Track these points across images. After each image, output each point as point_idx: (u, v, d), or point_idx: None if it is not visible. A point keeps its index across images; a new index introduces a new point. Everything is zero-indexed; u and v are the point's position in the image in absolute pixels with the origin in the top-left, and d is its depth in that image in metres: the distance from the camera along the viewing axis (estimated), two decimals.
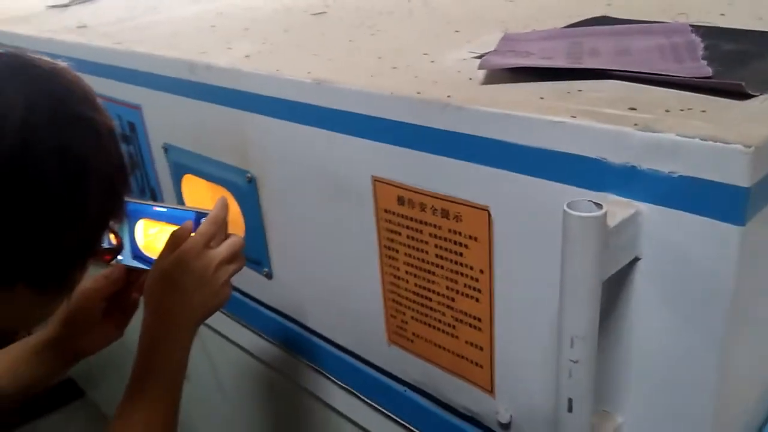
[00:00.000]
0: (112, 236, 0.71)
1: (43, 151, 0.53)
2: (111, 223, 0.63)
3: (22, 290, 0.57)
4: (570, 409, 0.50)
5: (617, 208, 0.48)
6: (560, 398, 0.50)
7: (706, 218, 0.46)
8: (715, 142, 0.44)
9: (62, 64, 0.60)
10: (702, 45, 0.65)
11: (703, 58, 0.61)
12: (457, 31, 0.90)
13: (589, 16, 0.86)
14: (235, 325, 1.07)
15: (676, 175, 0.46)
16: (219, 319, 1.10)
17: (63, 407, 2.24)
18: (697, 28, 0.71)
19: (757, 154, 0.43)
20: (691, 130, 0.46)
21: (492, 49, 0.73)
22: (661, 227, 0.48)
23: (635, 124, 0.48)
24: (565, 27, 0.81)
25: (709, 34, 0.69)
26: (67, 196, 0.55)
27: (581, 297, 0.46)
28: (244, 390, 1.15)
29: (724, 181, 0.44)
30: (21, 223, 0.53)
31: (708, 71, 0.57)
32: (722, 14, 0.81)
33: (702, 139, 0.44)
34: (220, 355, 1.17)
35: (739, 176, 0.43)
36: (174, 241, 0.76)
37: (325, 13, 1.14)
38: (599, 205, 0.45)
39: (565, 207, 0.45)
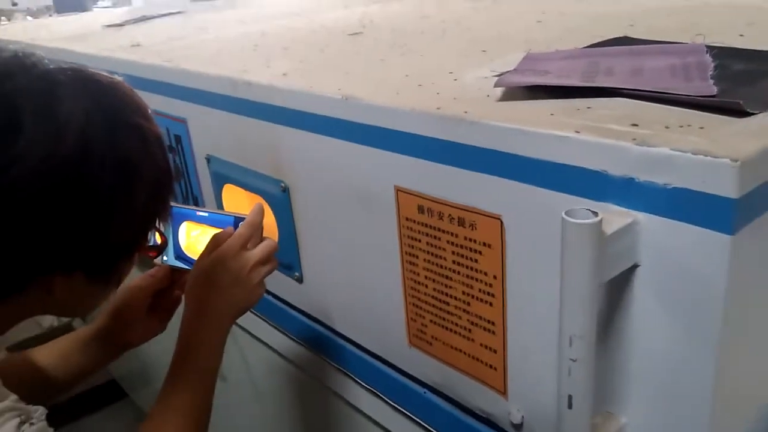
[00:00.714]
0: (157, 235, 0.77)
1: (99, 157, 0.61)
2: (157, 222, 0.70)
3: (78, 278, 0.64)
4: (570, 406, 0.53)
5: (616, 217, 0.51)
6: (561, 395, 0.54)
7: (697, 227, 0.49)
8: (705, 156, 0.47)
9: (118, 78, 0.68)
10: (713, 65, 0.68)
11: (711, 78, 0.64)
12: (484, 51, 0.94)
13: (609, 37, 0.89)
14: (268, 326, 1.13)
15: (670, 187, 0.50)
16: (253, 322, 1.16)
17: (105, 407, 2.34)
18: (711, 49, 0.74)
19: (744, 167, 0.46)
20: (684, 144, 0.49)
21: (513, 68, 0.77)
22: (658, 236, 0.51)
23: (633, 139, 0.51)
24: (586, 47, 0.85)
25: (723, 54, 0.72)
26: (117, 197, 0.63)
27: (579, 299, 0.50)
28: (274, 389, 1.20)
29: (714, 193, 0.47)
30: (78, 219, 0.60)
31: (713, 90, 0.60)
32: (741, 35, 0.84)
33: (693, 153, 0.47)
34: (254, 355, 1.23)
35: (728, 188, 0.46)
36: (214, 243, 0.82)
37: (361, 33, 1.20)
38: (595, 213, 0.48)
39: (563, 215, 0.49)
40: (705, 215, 0.48)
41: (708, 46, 0.75)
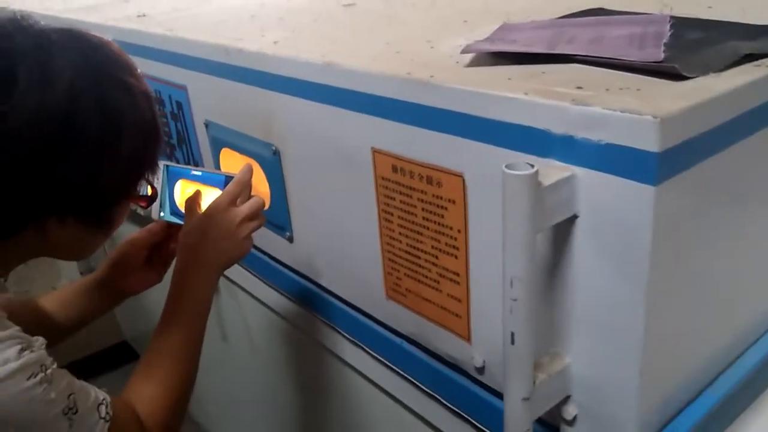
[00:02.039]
0: (148, 187, 0.84)
1: (86, 107, 0.68)
2: (146, 174, 0.76)
3: (71, 221, 0.71)
4: (513, 342, 0.59)
5: (553, 170, 0.56)
6: (505, 333, 0.59)
7: (626, 179, 0.54)
8: (632, 113, 0.52)
9: (108, 39, 0.74)
10: (669, 34, 0.72)
11: (664, 45, 0.68)
12: (465, 21, 0.98)
13: (585, 8, 0.92)
14: (262, 284, 1.19)
15: (603, 143, 0.54)
16: (250, 280, 1.23)
17: (119, 368, 2.44)
18: (675, 19, 0.77)
19: (665, 123, 0.50)
20: (616, 104, 0.53)
21: (484, 37, 0.82)
22: (593, 188, 0.56)
23: (573, 100, 0.56)
24: (560, 17, 0.89)
25: (683, 24, 0.76)
26: (104, 143, 0.70)
27: (518, 243, 0.55)
28: (268, 343, 1.27)
29: (638, 147, 0.52)
30: (68, 164, 0.67)
31: (659, 56, 0.64)
32: (709, 6, 0.87)
33: (622, 111, 0.52)
34: (250, 312, 1.30)
35: (650, 142, 0.51)
36: (190, 204, 0.90)
37: (354, 4, 1.25)
38: (532, 166, 0.53)
39: (504, 167, 0.54)
40: (632, 168, 0.53)
41: (672, 17, 0.79)
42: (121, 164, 0.73)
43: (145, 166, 0.77)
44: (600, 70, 0.65)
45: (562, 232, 0.60)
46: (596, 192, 0.56)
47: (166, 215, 1.00)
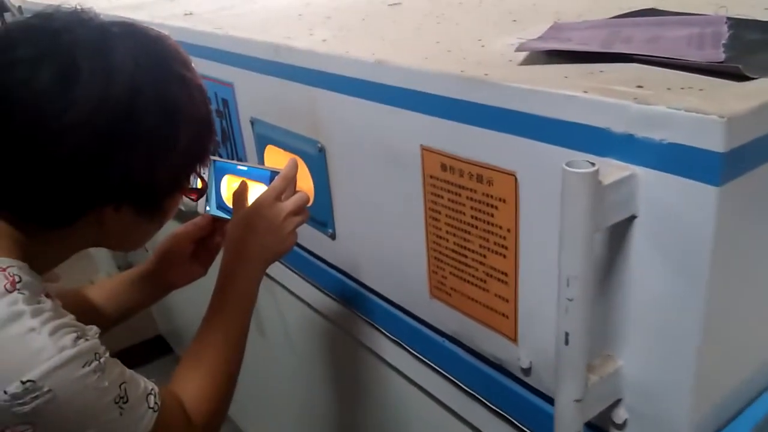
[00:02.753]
0: (198, 180, 0.85)
1: (146, 99, 0.69)
2: (198, 167, 0.78)
3: (126, 211, 0.73)
4: (567, 342, 0.58)
5: (614, 169, 0.56)
6: (559, 333, 0.59)
7: (689, 180, 0.53)
8: (697, 113, 0.51)
9: (164, 33, 0.76)
10: (727, 34, 0.70)
11: (723, 46, 0.67)
12: (514, 21, 0.98)
13: (637, 8, 0.91)
14: (301, 281, 1.20)
15: (665, 142, 0.54)
16: (289, 276, 1.24)
17: (153, 361, 2.48)
18: (732, 20, 0.76)
19: (731, 123, 0.49)
20: (680, 103, 0.53)
21: (538, 36, 0.81)
22: (654, 188, 0.56)
23: (635, 99, 0.55)
24: (613, 17, 0.88)
25: (740, 25, 0.74)
26: (162, 136, 0.72)
27: (576, 242, 0.54)
28: (307, 340, 1.28)
29: (703, 147, 0.51)
30: (126, 154, 0.69)
31: (720, 57, 0.63)
32: (766, 8, 0.85)
33: (686, 111, 0.51)
34: (289, 309, 1.31)
35: (715, 143, 0.50)
36: (238, 197, 0.90)
37: (400, 4, 1.25)
38: (593, 164, 0.53)
39: (564, 165, 0.53)
40: (695, 168, 0.52)
41: (728, 18, 0.77)
42: (177, 157, 0.74)
43: (198, 160, 0.79)
44: (659, 70, 0.64)
45: (619, 232, 0.59)
46: (656, 192, 0.56)
47: (212, 209, 1.02)
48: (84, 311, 0.96)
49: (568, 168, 0.53)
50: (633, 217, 0.58)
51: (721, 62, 0.62)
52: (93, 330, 0.70)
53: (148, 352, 2.50)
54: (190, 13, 1.47)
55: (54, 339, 0.63)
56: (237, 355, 0.86)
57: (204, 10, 1.50)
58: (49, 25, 0.69)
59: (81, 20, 0.71)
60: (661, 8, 0.91)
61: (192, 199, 0.89)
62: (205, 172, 0.87)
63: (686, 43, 0.70)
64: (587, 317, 0.57)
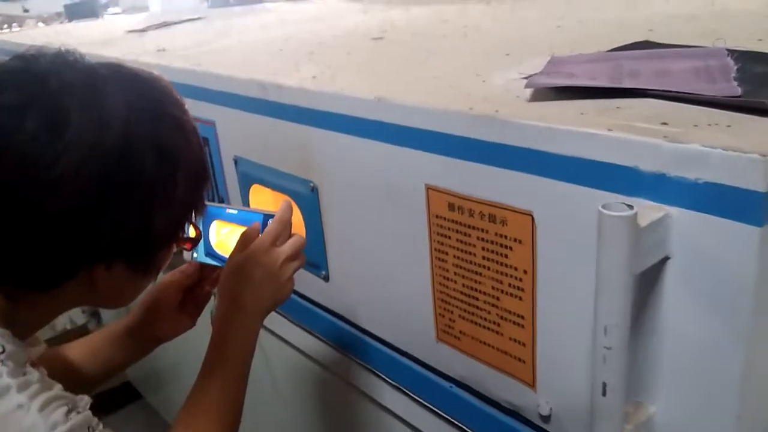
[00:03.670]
0: (191, 228, 0.80)
1: (141, 146, 0.64)
2: (192, 215, 0.73)
3: (118, 267, 0.67)
4: (604, 393, 0.55)
5: (648, 210, 0.54)
6: (595, 383, 0.56)
7: (728, 220, 0.51)
8: (735, 152, 0.49)
9: (156, 73, 0.71)
10: (735, 67, 0.70)
11: (734, 80, 0.66)
12: (507, 54, 0.96)
13: (631, 41, 0.91)
14: (292, 326, 1.15)
15: (701, 182, 0.52)
16: (276, 321, 1.18)
17: (121, 409, 2.36)
18: (732, 52, 0.76)
19: None
20: (714, 141, 0.51)
21: (539, 70, 0.80)
22: (689, 229, 0.54)
23: (665, 137, 0.54)
24: (609, 51, 0.87)
25: (743, 57, 0.74)
26: (159, 186, 0.66)
27: (614, 289, 0.52)
28: (297, 389, 1.22)
29: (744, 186, 0.49)
30: (122, 208, 0.63)
31: (737, 91, 0.62)
32: (760, 39, 0.86)
33: (723, 149, 0.50)
34: (278, 356, 1.25)
35: (756, 182, 0.48)
36: (245, 239, 0.85)
37: (383, 38, 1.23)
38: (630, 207, 0.51)
39: (600, 208, 0.51)
40: (735, 208, 0.50)
41: (728, 50, 0.77)
42: (175, 205, 0.69)
43: (194, 207, 0.74)
44: (677, 105, 0.63)
45: (652, 275, 0.57)
46: (692, 232, 0.54)
47: (200, 256, 0.96)
48: (64, 374, 0.90)
49: (605, 211, 0.50)
50: (665, 259, 0.56)
51: (739, 96, 0.61)
52: (84, 401, 0.64)
53: (116, 399, 2.39)
54: (164, 50, 1.42)
55: (44, 415, 0.58)
56: (235, 416, 0.80)
57: (177, 46, 1.46)
58: (34, 68, 0.64)
59: (67, 62, 0.66)
60: (654, 40, 0.91)
61: (186, 249, 0.84)
62: (199, 220, 0.82)
63: (695, 77, 0.70)
64: (625, 366, 0.55)
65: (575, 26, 1.14)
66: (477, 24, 1.26)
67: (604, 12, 1.28)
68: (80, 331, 2.50)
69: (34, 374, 0.63)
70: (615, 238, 0.50)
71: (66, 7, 4.44)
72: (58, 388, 0.64)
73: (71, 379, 0.91)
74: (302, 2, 2.46)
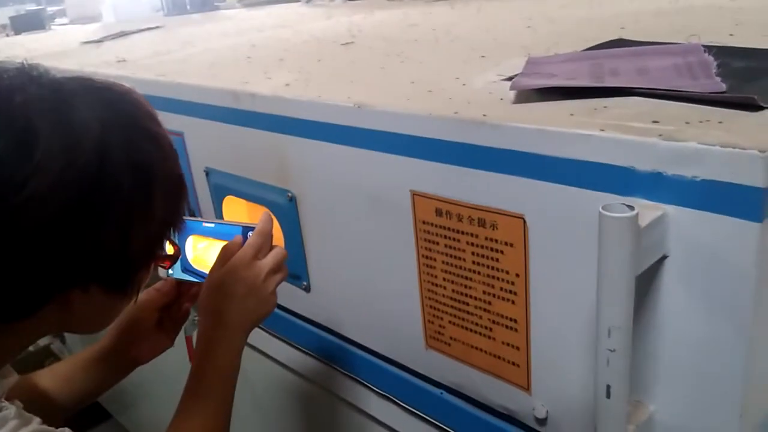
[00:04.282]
0: (169, 245, 0.76)
1: (117, 163, 0.60)
2: (170, 232, 0.69)
3: (95, 291, 0.64)
4: (608, 395, 0.55)
5: (646, 210, 0.53)
6: (599, 386, 0.55)
7: (727, 217, 0.51)
8: (734, 148, 0.49)
9: (128, 86, 0.68)
10: (715, 63, 0.71)
11: (716, 75, 0.67)
12: (483, 57, 0.96)
13: (605, 40, 0.92)
14: (272, 339, 1.12)
15: (698, 179, 0.52)
16: (256, 335, 1.15)
17: (89, 429, 2.28)
18: (709, 48, 0.77)
19: None
20: (711, 138, 0.51)
21: (518, 72, 0.79)
22: (687, 227, 0.54)
23: (660, 135, 0.53)
24: (585, 50, 0.87)
25: (721, 53, 0.75)
26: (136, 204, 0.63)
27: (617, 290, 0.51)
28: (282, 404, 1.19)
29: (742, 183, 0.49)
30: (98, 227, 0.60)
31: (722, 87, 0.63)
32: (731, 34, 0.87)
33: (722, 146, 0.50)
34: (258, 371, 1.22)
35: (755, 178, 0.48)
36: (225, 253, 0.82)
37: (353, 43, 1.21)
38: (631, 207, 0.50)
39: (601, 209, 0.50)
40: (734, 205, 0.50)
41: (705, 46, 0.78)
42: (153, 223, 0.66)
43: (172, 224, 0.71)
44: (664, 103, 0.63)
45: (649, 274, 0.57)
46: (690, 230, 0.54)
47: (176, 273, 0.93)
48: (34, 403, 0.85)
49: (606, 213, 0.50)
50: (663, 258, 0.56)
51: (725, 92, 0.62)
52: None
53: (84, 420, 2.31)
54: (124, 60, 1.38)
55: None
56: None
57: (138, 55, 1.42)
58: None
59: (32, 77, 0.61)
60: (628, 38, 0.92)
61: (164, 267, 0.81)
62: (176, 236, 0.79)
63: (676, 73, 0.70)
64: (629, 368, 0.54)
65: (545, 25, 1.14)
66: (446, 27, 1.26)
67: (572, 10, 1.29)
68: (44, 353, 2.41)
69: (10, 409, 0.59)
70: (617, 239, 0.50)
71: (11, 18, 4.29)
72: (36, 422, 0.61)
73: (43, 409, 0.86)
74: (258, 9, 2.42)
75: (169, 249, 0.78)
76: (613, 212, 0.50)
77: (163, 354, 0.92)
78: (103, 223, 0.60)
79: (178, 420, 0.77)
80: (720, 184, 0.50)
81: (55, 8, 4.93)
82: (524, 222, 0.66)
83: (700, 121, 0.56)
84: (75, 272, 0.61)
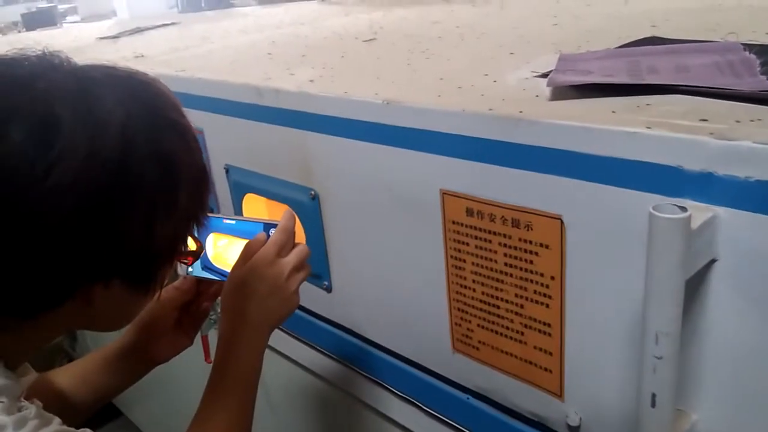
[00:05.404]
0: (191, 241, 0.74)
1: (141, 153, 0.58)
2: (194, 226, 0.68)
3: (117, 286, 0.62)
4: (653, 405, 0.53)
5: (696, 212, 0.51)
6: (643, 394, 0.53)
7: None
8: None
9: (152, 76, 0.66)
10: (758, 61, 0.68)
11: (761, 74, 0.65)
12: (511, 54, 0.94)
13: (637, 38, 0.89)
14: (292, 340, 1.11)
15: (752, 180, 0.49)
16: (276, 336, 1.13)
17: (100, 427, 2.27)
18: (748, 46, 0.74)
19: None
20: (766, 137, 0.49)
21: (551, 69, 0.77)
22: (739, 229, 0.51)
23: (711, 133, 0.51)
24: (618, 47, 0.85)
25: (762, 51, 0.72)
26: (160, 196, 0.61)
27: (666, 295, 0.49)
28: (301, 406, 1.18)
29: None
30: (121, 219, 0.58)
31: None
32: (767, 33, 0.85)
33: None
34: (278, 373, 1.20)
35: None
36: (248, 251, 0.80)
37: (375, 39, 1.20)
38: (683, 209, 0.48)
39: (651, 210, 0.48)
40: None
41: (743, 44, 0.76)
42: (177, 218, 0.64)
43: (196, 218, 0.69)
44: (709, 101, 0.60)
45: (697, 279, 0.54)
46: (741, 233, 0.51)
47: (195, 270, 0.91)
48: (52, 403, 0.84)
49: (657, 213, 0.48)
50: (712, 261, 0.54)
51: None
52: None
53: (95, 418, 2.29)
54: (142, 56, 1.37)
55: None
56: None
57: (156, 52, 1.40)
58: (16, 72, 0.58)
59: (54, 65, 0.59)
60: (661, 36, 0.90)
61: (186, 264, 0.79)
62: (199, 232, 0.77)
63: (718, 72, 0.68)
64: (675, 376, 0.52)
65: (572, 23, 1.12)
66: (470, 24, 1.24)
67: (597, 7, 1.27)
68: (55, 350, 2.40)
69: (30, 409, 0.58)
70: (668, 241, 0.48)
71: (23, 15, 4.30)
72: (56, 423, 0.59)
73: (61, 408, 0.84)
74: (273, 6, 2.41)
75: (191, 245, 0.76)
76: (665, 213, 0.48)
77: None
78: (127, 215, 0.58)
79: (200, 419, 0.75)
80: None
81: (66, 5, 4.94)
82: (561, 223, 0.63)
83: (751, 120, 0.54)
84: (97, 266, 0.59)
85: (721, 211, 0.52)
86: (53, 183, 0.54)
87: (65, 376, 0.89)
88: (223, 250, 0.92)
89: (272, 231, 0.83)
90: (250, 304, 0.78)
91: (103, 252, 0.59)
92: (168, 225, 0.63)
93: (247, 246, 0.81)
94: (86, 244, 0.57)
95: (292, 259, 0.81)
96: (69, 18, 4.61)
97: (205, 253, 0.91)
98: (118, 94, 0.59)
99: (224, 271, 0.87)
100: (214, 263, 0.91)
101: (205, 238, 0.91)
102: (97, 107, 0.57)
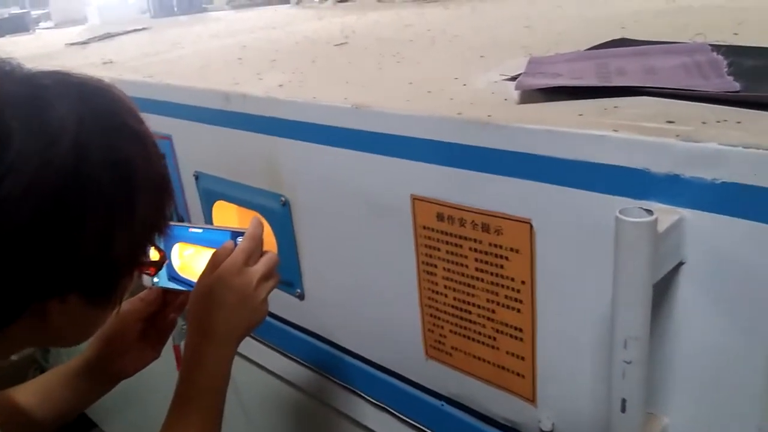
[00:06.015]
0: (153, 251, 0.72)
1: (95, 160, 0.56)
2: (155, 236, 0.66)
3: (75, 301, 0.59)
4: (623, 410, 0.52)
5: (663, 214, 0.51)
6: (613, 399, 0.52)
7: (749, 221, 0.48)
8: (757, 149, 0.47)
9: (106, 81, 0.63)
10: (725, 62, 0.68)
11: (728, 75, 0.65)
12: (482, 57, 0.93)
13: (606, 39, 0.89)
14: (264, 348, 1.09)
15: (718, 182, 0.49)
16: (247, 344, 1.11)
17: None
18: (716, 47, 0.75)
19: None
20: (731, 139, 0.49)
21: (520, 72, 0.77)
22: (706, 232, 0.51)
23: (677, 136, 0.51)
24: (588, 49, 0.85)
25: (730, 52, 0.72)
26: (117, 206, 0.58)
27: (634, 299, 0.49)
28: (274, 415, 1.16)
29: (767, 185, 0.47)
30: (76, 230, 0.55)
31: (736, 86, 0.60)
32: (735, 33, 0.85)
33: (744, 147, 0.47)
34: (250, 382, 1.18)
35: None
36: (215, 260, 0.78)
37: (346, 43, 1.19)
38: (649, 212, 0.48)
39: (618, 213, 0.48)
40: (757, 208, 0.48)
41: (711, 45, 0.76)
42: (136, 227, 0.61)
43: (157, 228, 0.66)
44: (676, 103, 0.60)
45: (664, 282, 0.54)
46: (708, 235, 0.51)
47: (161, 281, 0.89)
48: (13, 420, 0.81)
49: (624, 217, 0.47)
50: (679, 264, 0.53)
51: (738, 91, 0.59)
52: None
53: (68, 429, 2.25)
54: (111, 61, 1.34)
55: None
56: None
57: (125, 57, 1.38)
58: None
59: (4, 72, 0.57)
60: (630, 38, 0.90)
61: (149, 274, 0.77)
62: (161, 241, 0.75)
63: (685, 73, 0.68)
64: (645, 380, 0.51)
65: (544, 26, 1.12)
66: (442, 27, 1.23)
67: (568, 10, 1.27)
68: (27, 362, 2.35)
69: None
70: (635, 245, 0.47)
71: None
72: None
73: (23, 425, 0.82)
74: (247, 11, 2.39)
75: (154, 255, 0.74)
76: (631, 217, 0.47)
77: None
78: (82, 226, 0.56)
79: (167, 430, 0.73)
80: (741, 187, 0.48)
81: (39, 11, 4.87)
82: (531, 227, 0.63)
83: (717, 121, 0.54)
84: (52, 280, 0.56)
85: (688, 214, 0.51)
86: (3, 195, 0.51)
87: (27, 393, 0.86)
88: (189, 260, 0.90)
89: (240, 239, 0.81)
90: (217, 314, 0.76)
91: (57, 264, 0.56)
92: (126, 234, 0.61)
93: (214, 255, 0.79)
94: (40, 256, 0.55)
95: (260, 267, 0.79)
96: (42, 24, 4.54)
97: (171, 263, 0.89)
98: (71, 102, 0.57)
99: (191, 282, 0.85)
100: (180, 273, 0.89)
101: (171, 248, 0.89)
102: (49, 116, 0.55)
